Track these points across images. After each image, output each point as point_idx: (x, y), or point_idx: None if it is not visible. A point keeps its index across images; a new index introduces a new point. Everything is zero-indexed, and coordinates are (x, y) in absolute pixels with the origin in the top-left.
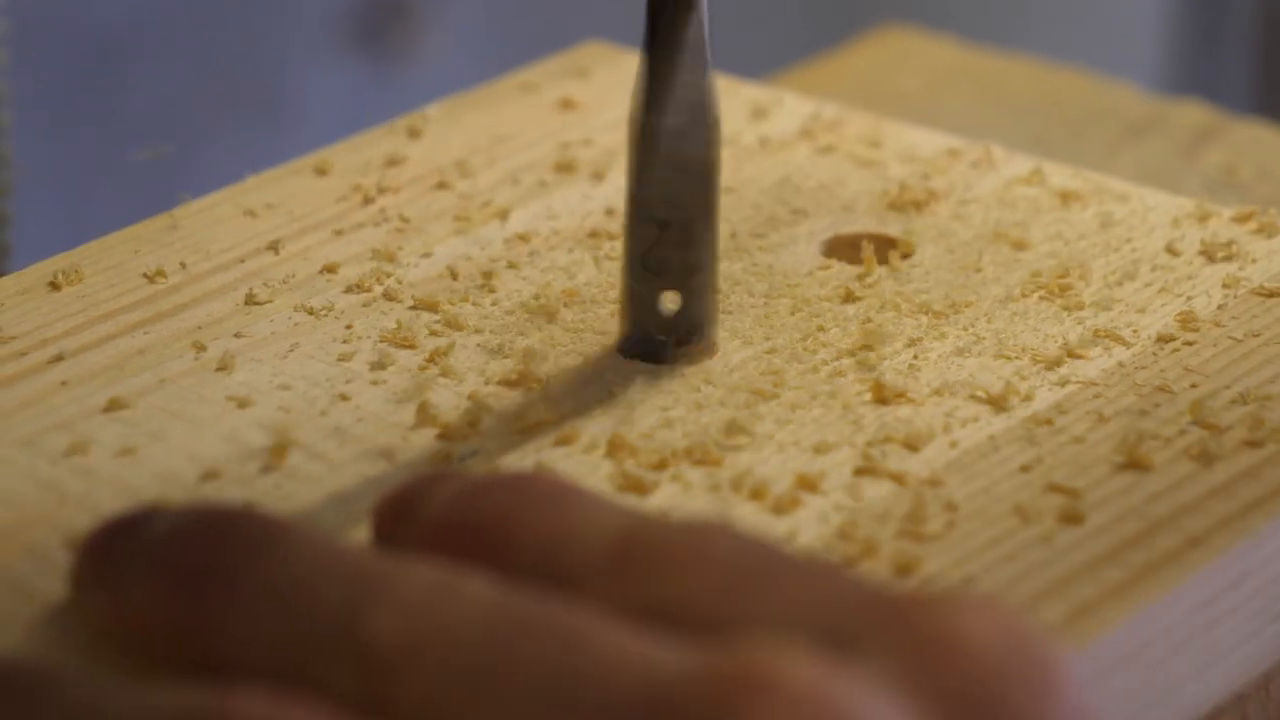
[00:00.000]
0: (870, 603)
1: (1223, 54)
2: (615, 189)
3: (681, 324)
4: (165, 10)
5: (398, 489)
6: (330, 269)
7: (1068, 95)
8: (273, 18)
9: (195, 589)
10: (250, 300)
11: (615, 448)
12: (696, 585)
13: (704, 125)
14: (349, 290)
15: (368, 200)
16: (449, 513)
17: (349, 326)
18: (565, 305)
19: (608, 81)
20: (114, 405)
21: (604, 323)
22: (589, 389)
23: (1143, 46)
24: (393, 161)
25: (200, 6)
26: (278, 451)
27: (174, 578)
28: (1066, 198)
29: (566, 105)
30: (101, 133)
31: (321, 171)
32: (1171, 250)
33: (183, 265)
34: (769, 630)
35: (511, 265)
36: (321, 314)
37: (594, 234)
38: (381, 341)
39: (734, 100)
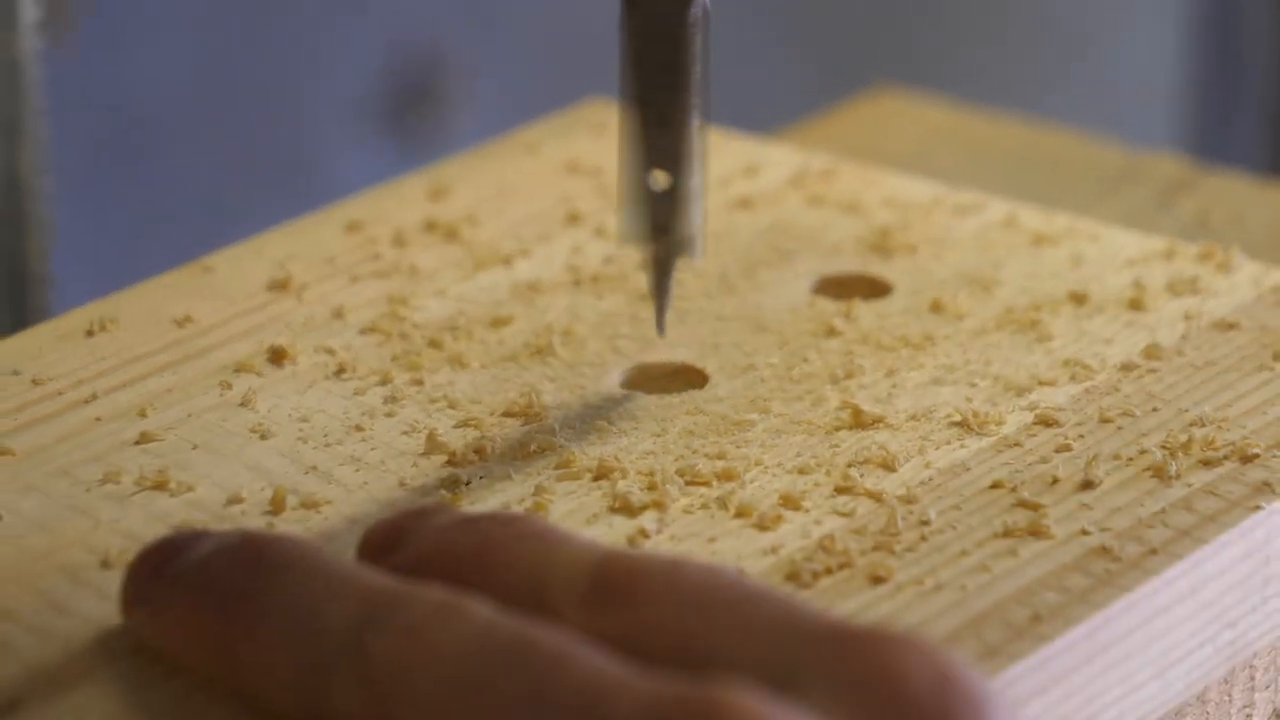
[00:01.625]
0: (817, 636)
1: (1239, 119)
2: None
3: (667, 207)
4: (198, 90)
5: (387, 521)
6: (342, 313)
7: (1052, 151)
8: (304, 99)
9: (224, 609)
10: (272, 346)
11: (608, 470)
12: (663, 614)
13: (686, 16)
14: (363, 332)
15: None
16: (438, 543)
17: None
18: (562, 344)
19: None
20: (144, 438)
21: (599, 359)
22: (586, 418)
23: (1164, 113)
24: (410, 216)
25: (232, 87)
26: (277, 501)
27: (207, 598)
28: (1039, 240)
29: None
30: (135, 209)
31: (349, 228)
32: (1138, 286)
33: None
34: (725, 662)
35: (514, 309)
36: (339, 353)
37: (595, 279)
38: (393, 378)
39: (727, 153)
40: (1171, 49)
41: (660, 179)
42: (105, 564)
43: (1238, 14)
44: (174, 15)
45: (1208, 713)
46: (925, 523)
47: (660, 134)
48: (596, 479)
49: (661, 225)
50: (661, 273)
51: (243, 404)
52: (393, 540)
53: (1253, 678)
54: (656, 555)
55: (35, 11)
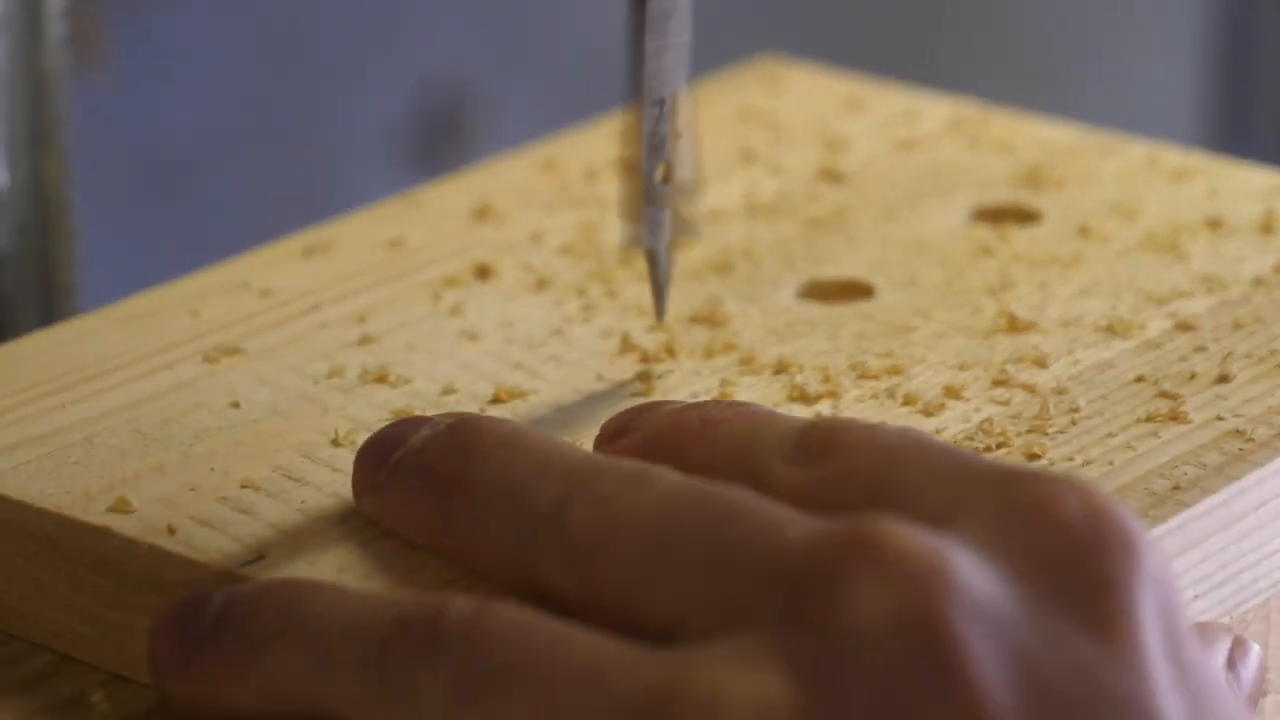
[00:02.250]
0: (982, 475)
1: (1252, 114)
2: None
3: (669, 194)
4: (230, 122)
5: (617, 416)
6: (540, 237)
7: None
8: (334, 131)
9: (440, 491)
10: (478, 263)
11: (786, 366)
12: (858, 462)
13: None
14: (560, 252)
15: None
16: (664, 424)
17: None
18: (742, 261)
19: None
20: (364, 340)
21: (775, 274)
22: (764, 324)
23: (1177, 108)
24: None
25: (264, 119)
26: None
27: (424, 482)
28: (1178, 175)
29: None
30: (164, 247)
31: (545, 166)
32: (1269, 214)
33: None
34: (903, 505)
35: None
36: (539, 269)
37: (769, 208)
38: (588, 290)
39: (888, 102)
40: (1186, 64)
41: (663, 173)
42: (335, 442)
43: (1253, 33)
44: (208, 48)
45: None
46: (1075, 410)
47: (669, 126)
48: (776, 373)
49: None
50: (662, 262)
51: (453, 312)
52: (626, 425)
53: None
54: (855, 418)
55: (62, 27)
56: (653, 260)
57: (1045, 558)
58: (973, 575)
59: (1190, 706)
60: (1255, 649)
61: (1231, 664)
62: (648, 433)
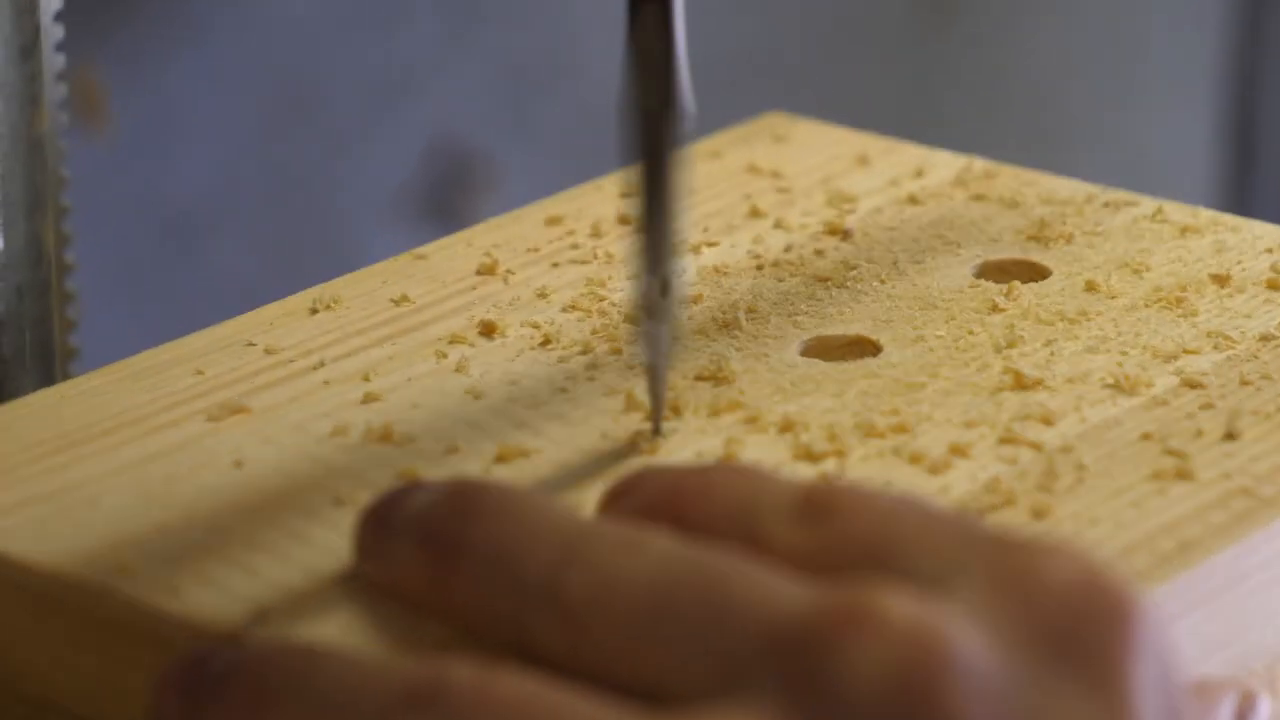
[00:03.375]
0: (977, 541)
1: (1258, 176)
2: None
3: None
4: (233, 185)
5: (620, 480)
6: (545, 294)
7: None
8: (337, 196)
9: (437, 556)
10: (482, 320)
11: (791, 424)
12: (857, 524)
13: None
14: (565, 310)
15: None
16: (665, 486)
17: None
18: (747, 319)
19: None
20: (369, 398)
21: (781, 331)
22: (770, 382)
23: (1186, 169)
24: (606, 211)
25: (270, 179)
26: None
27: (422, 547)
28: (1185, 230)
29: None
30: (170, 305)
31: (549, 222)
32: (1276, 269)
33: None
34: (900, 568)
35: (702, 289)
36: (544, 327)
37: (775, 263)
38: (594, 348)
39: (898, 157)
40: (1196, 125)
41: (659, 284)
42: (338, 502)
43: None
44: (213, 108)
45: None
46: (1081, 468)
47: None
48: (781, 432)
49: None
50: (660, 376)
51: (457, 370)
52: (628, 488)
53: None
54: (855, 483)
55: (60, 90)
56: (651, 375)
57: (1039, 626)
58: (967, 643)
59: None
60: (1265, 702)
61: (1241, 717)
62: (649, 496)
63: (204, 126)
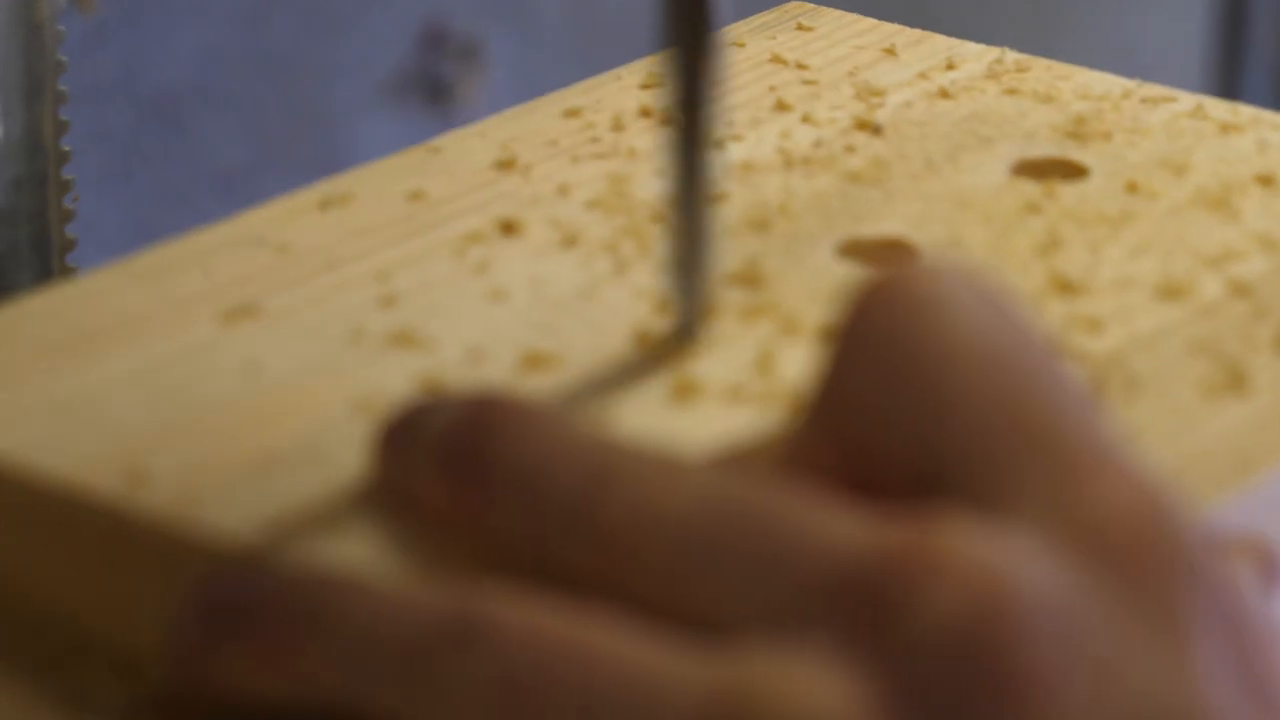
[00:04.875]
0: (1028, 456)
1: (1250, 61)
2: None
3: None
4: (222, 67)
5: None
6: (567, 190)
7: None
8: (331, 78)
9: (462, 476)
10: (503, 218)
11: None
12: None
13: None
14: (588, 207)
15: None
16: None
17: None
18: (779, 218)
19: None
20: (387, 301)
21: (814, 232)
22: (807, 285)
23: (1178, 55)
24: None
25: (256, 63)
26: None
27: (447, 466)
28: (1226, 128)
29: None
30: (162, 191)
31: (567, 114)
32: None
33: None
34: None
35: (729, 187)
36: (567, 225)
37: (805, 160)
38: (620, 247)
39: (927, 48)
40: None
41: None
42: (358, 410)
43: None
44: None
45: None
46: (1132, 377)
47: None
48: (818, 338)
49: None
50: (697, 275)
51: (478, 270)
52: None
53: None
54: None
55: None
56: (686, 274)
57: (1103, 559)
58: (1036, 588)
59: (1262, 712)
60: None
61: (1266, 582)
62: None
63: (192, 7)
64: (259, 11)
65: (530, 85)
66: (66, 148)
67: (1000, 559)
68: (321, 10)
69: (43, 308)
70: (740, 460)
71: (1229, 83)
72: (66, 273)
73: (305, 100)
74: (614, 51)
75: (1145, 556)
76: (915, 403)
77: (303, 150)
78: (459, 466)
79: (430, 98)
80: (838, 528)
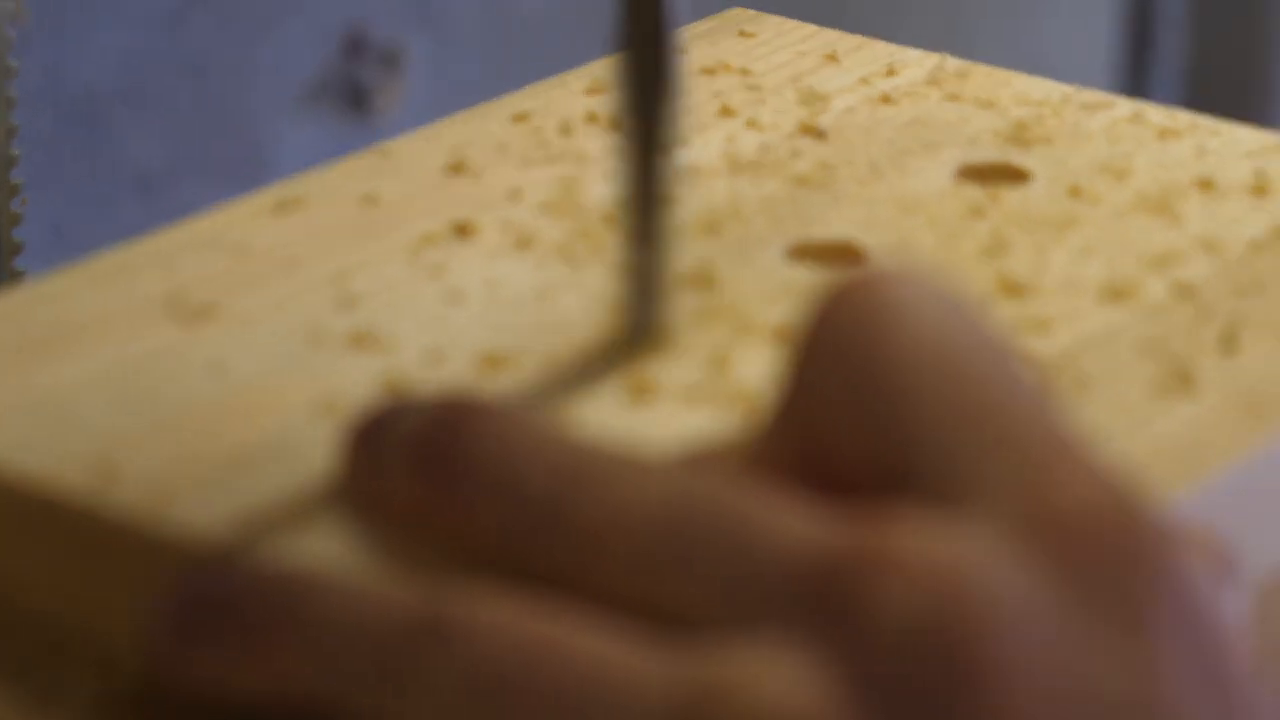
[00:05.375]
0: (989, 450)
1: (1156, 55)
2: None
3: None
4: (144, 71)
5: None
6: (519, 193)
7: None
8: (251, 82)
9: (430, 477)
10: (456, 221)
11: (785, 331)
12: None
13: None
14: (540, 209)
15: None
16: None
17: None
18: (728, 221)
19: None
20: (345, 302)
21: (763, 234)
22: (756, 287)
23: (1085, 48)
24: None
25: (178, 70)
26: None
27: (417, 468)
28: (1165, 133)
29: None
30: (84, 191)
31: (516, 119)
32: (1260, 174)
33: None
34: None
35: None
36: (520, 227)
37: (752, 164)
38: (573, 249)
39: (868, 55)
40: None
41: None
42: (323, 410)
43: None
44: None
45: None
46: (1082, 377)
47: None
48: (774, 339)
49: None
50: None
51: (434, 272)
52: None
53: None
54: None
55: None
56: (642, 275)
57: (1066, 558)
58: (997, 585)
59: (1216, 712)
60: (1230, 555)
61: (1218, 579)
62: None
63: (112, 9)
64: (179, 15)
65: (449, 91)
66: (16, 151)
67: (960, 555)
68: (241, 14)
69: (4, 310)
70: (706, 461)
71: (1136, 86)
72: (15, 276)
73: (225, 104)
74: (532, 59)
75: (1106, 550)
76: (878, 403)
77: (223, 153)
78: (429, 467)
79: (350, 103)
80: (802, 526)
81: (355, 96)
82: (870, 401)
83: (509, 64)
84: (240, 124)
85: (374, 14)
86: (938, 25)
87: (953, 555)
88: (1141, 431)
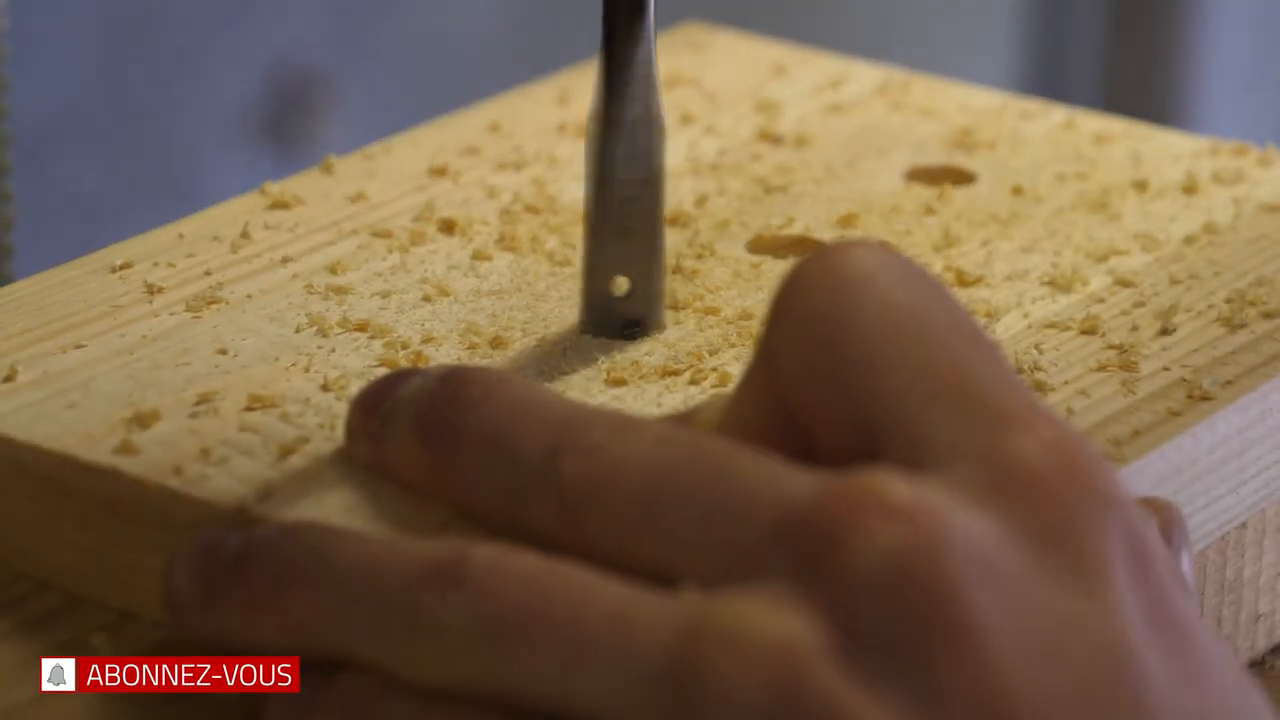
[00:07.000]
0: (957, 416)
1: (1072, 55)
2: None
3: (632, 308)
4: (85, 106)
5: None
6: (495, 193)
7: None
8: (184, 113)
9: (431, 441)
10: (440, 217)
11: (749, 315)
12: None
13: (652, 133)
14: (522, 209)
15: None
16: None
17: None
18: (693, 217)
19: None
20: (340, 291)
21: (727, 230)
22: (723, 277)
23: (995, 49)
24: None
25: (115, 102)
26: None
27: (416, 431)
28: (1100, 139)
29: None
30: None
31: (490, 128)
32: (1191, 176)
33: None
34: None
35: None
36: (499, 224)
37: (713, 167)
38: (549, 244)
39: (815, 68)
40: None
41: (621, 286)
42: (324, 388)
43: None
44: (61, 28)
45: (1265, 523)
46: (1034, 365)
47: (630, 245)
48: (741, 319)
49: (623, 324)
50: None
51: (421, 265)
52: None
53: None
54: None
55: None
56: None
57: (1029, 509)
58: (967, 527)
59: (1169, 649)
60: (1180, 515)
61: (1168, 539)
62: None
63: (55, 43)
64: (117, 50)
65: (381, 118)
66: (10, 159)
67: (929, 499)
68: (175, 48)
69: (16, 297)
70: (686, 424)
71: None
72: (3, 279)
73: (161, 135)
74: (459, 85)
75: (1067, 500)
76: (847, 368)
77: (158, 182)
78: (431, 429)
79: (281, 131)
80: (782, 476)
81: (286, 125)
82: (838, 363)
83: (437, 91)
84: (175, 154)
85: (304, 45)
86: (863, 32)
87: (922, 500)
88: (1089, 413)
